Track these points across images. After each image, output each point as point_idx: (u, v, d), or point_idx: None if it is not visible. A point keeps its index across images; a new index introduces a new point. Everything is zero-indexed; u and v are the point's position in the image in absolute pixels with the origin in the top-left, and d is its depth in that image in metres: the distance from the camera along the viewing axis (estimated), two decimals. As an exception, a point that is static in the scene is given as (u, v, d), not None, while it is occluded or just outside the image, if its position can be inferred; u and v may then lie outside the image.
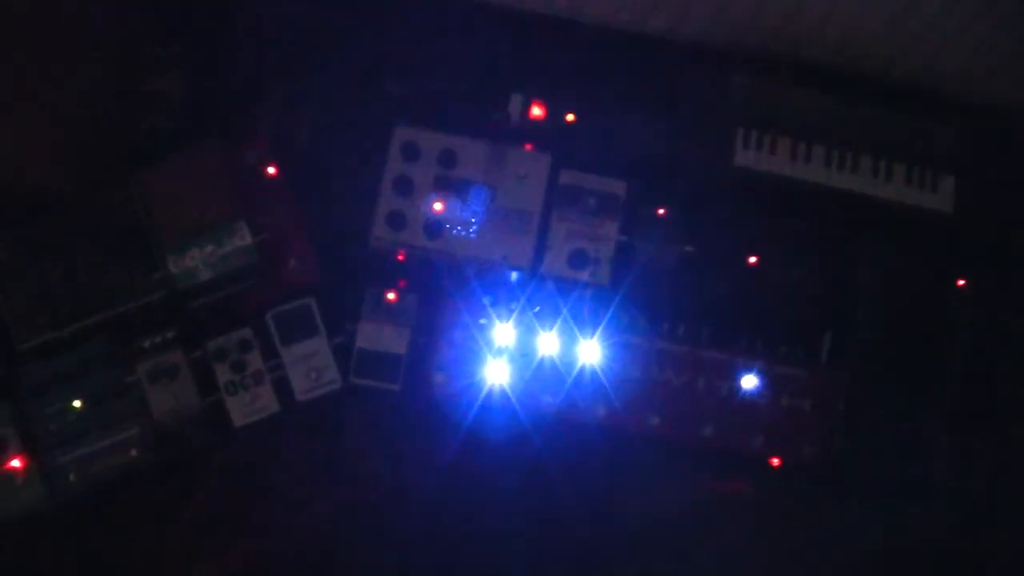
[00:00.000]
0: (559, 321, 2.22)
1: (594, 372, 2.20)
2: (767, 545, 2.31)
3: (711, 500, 2.31)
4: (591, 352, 2.21)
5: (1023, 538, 2.31)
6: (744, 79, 2.25)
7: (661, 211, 2.26)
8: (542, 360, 2.20)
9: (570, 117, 2.27)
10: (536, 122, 2.27)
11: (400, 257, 2.24)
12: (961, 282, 2.30)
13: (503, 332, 2.21)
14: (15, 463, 2.16)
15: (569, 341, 2.22)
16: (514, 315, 2.22)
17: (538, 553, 2.23)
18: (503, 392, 2.19)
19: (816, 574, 2.32)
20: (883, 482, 2.26)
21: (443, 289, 2.24)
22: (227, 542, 2.24)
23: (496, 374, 2.20)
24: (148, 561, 2.25)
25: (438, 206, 2.20)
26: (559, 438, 2.19)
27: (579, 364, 2.20)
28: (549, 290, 2.23)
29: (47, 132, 2.24)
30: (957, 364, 2.28)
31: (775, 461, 2.25)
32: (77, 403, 2.18)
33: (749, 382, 2.24)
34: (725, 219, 2.27)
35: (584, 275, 2.21)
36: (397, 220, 2.21)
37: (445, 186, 2.21)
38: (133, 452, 2.19)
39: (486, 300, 2.19)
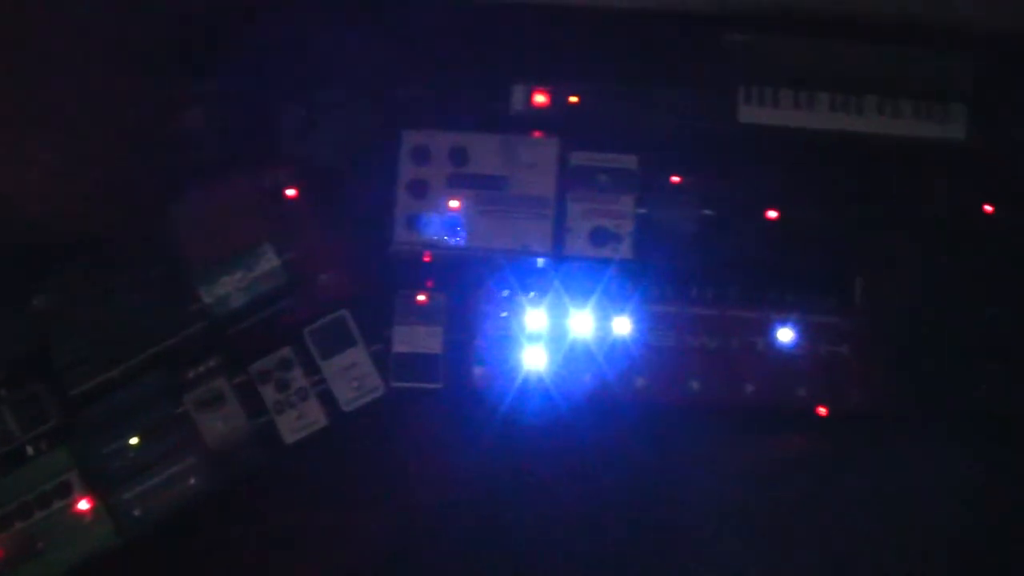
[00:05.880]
0: (590, 300, 2.24)
1: (627, 345, 2.22)
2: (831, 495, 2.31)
3: (765, 460, 2.30)
4: (623, 326, 2.23)
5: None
6: (738, 37, 2.25)
7: (675, 179, 2.27)
8: (574, 340, 2.22)
9: (573, 99, 2.29)
10: (541, 109, 2.29)
11: (426, 258, 2.28)
12: (989, 208, 2.29)
13: (535, 317, 2.24)
14: (82, 504, 2.23)
15: (602, 318, 2.24)
16: (545, 300, 2.24)
17: (596, 536, 2.26)
18: (539, 377, 2.21)
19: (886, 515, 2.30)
20: (934, 418, 2.25)
21: (471, 283, 2.27)
22: (294, 556, 2.29)
23: (533, 360, 2.22)
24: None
25: (454, 203, 2.24)
26: (602, 416, 2.21)
27: (611, 339, 2.22)
28: (576, 271, 2.25)
29: (78, 176, 2.31)
30: (997, 290, 2.27)
31: (822, 411, 2.25)
32: (134, 440, 2.25)
33: (784, 335, 2.24)
34: (739, 178, 2.28)
35: (607, 252, 2.23)
36: (416, 222, 2.24)
37: (459, 183, 2.25)
38: (192, 481, 2.25)
39: (507, 290, 2.22)
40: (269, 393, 2.25)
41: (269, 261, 2.23)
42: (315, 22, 2.34)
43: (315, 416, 2.25)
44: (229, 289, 2.23)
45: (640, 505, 2.31)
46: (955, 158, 2.28)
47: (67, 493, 2.24)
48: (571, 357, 2.23)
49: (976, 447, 2.25)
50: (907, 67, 2.25)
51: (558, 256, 2.24)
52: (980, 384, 2.25)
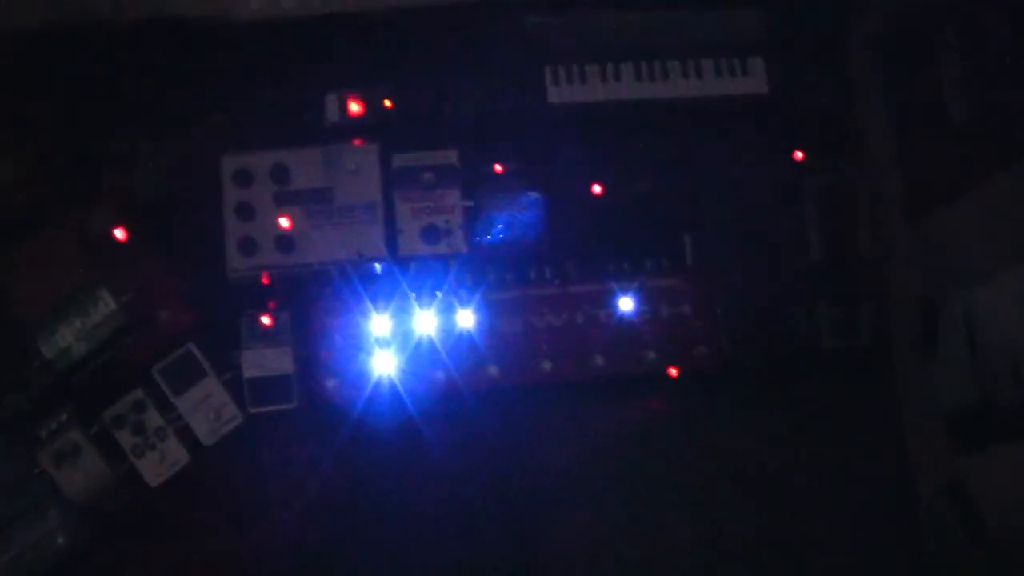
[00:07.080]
0: (432, 298, 2.27)
1: (474, 337, 2.25)
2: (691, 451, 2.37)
3: (624, 426, 2.36)
4: (467, 319, 2.26)
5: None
6: (537, 18, 2.30)
7: (497, 167, 2.31)
8: (421, 340, 2.24)
9: (387, 103, 2.32)
10: (356, 117, 2.31)
11: (265, 280, 2.27)
12: (799, 155, 2.37)
13: (380, 323, 2.26)
14: (-52, 583, 2.18)
15: (446, 314, 2.26)
16: (388, 304, 2.26)
17: (465, 522, 2.29)
18: (391, 381, 2.23)
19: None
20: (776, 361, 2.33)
21: (313, 298, 2.28)
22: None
23: (382, 365, 2.24)
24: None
25: (284, 222, 2.24)
26: (459, 408, 2.23)
27: (458, 333, 2.25)
28: (413, 271, 2.28)
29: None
30: (816, 231, 2.35)
31: (673, 371, 2.31)
32: (-8, 510, 2.21)
33: (625, 304, 2.29)
34: (559, 157, 2.33)
35: (441, 248, 2.26)
36: (248, 246, 2.24)
37: (286, 200, 2.25)
38: (60, 540, 2.22)
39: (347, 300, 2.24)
40: (126, 438, 2.23)
41: (107, 305, 2.21)
42: (122, 61, 2.33)
43: (177, 455, 2.24)
44: (69, 340, 2.20)
45: (506, 488, 2.35)
46: (761, 110, 2.35)
47: (-69, 573, 2.19)
48: (420, 357, 2.24)
49: (820, 390, 2.33)
50: (701, 28, 2.32)
51: (394, 259, 2.25)
52: (818, 324, 2.33)
